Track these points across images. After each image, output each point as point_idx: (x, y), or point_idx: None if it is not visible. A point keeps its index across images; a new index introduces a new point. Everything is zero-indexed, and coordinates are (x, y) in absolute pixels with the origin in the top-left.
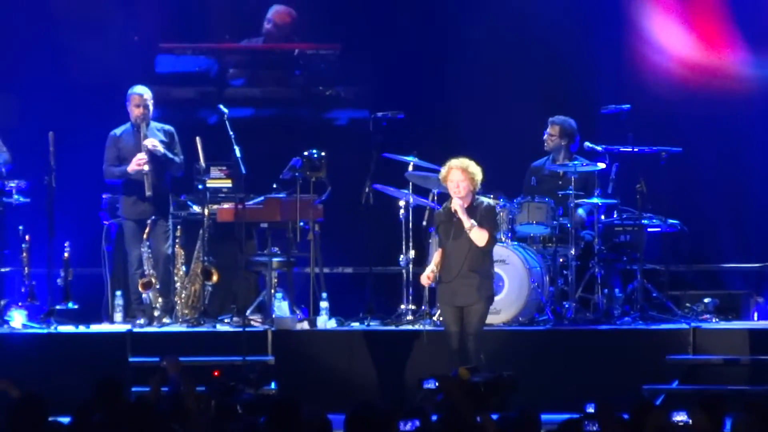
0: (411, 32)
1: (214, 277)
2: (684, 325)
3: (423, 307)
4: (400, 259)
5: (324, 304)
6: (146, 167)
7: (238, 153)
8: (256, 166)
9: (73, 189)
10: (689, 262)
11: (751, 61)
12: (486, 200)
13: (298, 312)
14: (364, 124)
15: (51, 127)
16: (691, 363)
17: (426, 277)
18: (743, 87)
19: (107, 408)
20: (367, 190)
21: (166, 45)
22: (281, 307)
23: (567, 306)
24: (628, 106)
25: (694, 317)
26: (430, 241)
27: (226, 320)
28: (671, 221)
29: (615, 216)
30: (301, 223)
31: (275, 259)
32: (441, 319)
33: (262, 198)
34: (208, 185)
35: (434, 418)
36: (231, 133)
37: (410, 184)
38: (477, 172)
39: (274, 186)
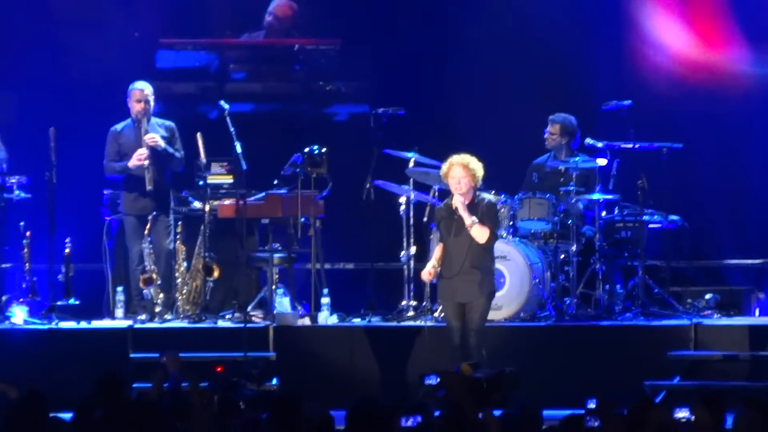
0: (411, 28)
1: (215, 273)
2: (685, 321)
3: (424, 303)
4: (401, 255)
5: (325, 300)
6: (147, 162)
7: (239, 149)
8: (257, 161)
9: (74, 185)
10: (690, 258)
11: (751, 59)
12: (487, 197)
13: (299, 308)
14: (364, 119)
15: (52, 123)
16: (692, 359)
17: (427, 273)
18: (744, 83)
19: (108, 404)
20: (368, 186)
21: (167, 40)
22: (282, 303)
23: (568, 302)
24: (629, 102)
25: (696, 313)
26: (431, 237)
27: (227, 316)
28: (672, 217)
29: (616, 212)
30: (302, 219)
31: (276, 255)
32: (442, 315)
33: (263, 194)
34: (209, 181)
35: (436, 414)
36: (232, 129)
37: (411, 180)
38: (478, 168)
39: (275, 182)
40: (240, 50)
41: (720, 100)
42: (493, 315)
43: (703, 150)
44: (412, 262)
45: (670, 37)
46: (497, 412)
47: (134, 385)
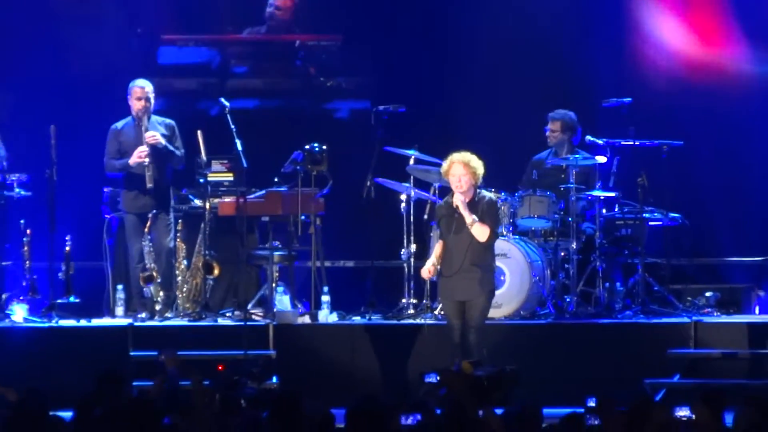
0: (412, 26)
1: (216, 271)
2: (685, 319)
3: (424, 301)
4: (402, 252)
5: (325, 298)
6: (147, 160)
7: (239, 146)
8: (258, 159)
9: (75, 182)
10: (690, 256)
11: (751, 56)
12: (488, 194)
13: (299, 306)
14: (365, 115)
15: (52, 121)
16: (692, 357)
17: (427, 271)
18: (744, 81)
19: (108, 402)
20: (368, 183)
21: (169, 37)
22: (282, 301)
23: (568, 300)
24: (630, 99)
25: (696, 311)
26: (432, 234)
27: (227, 314)
28: (672, 215)
29: (616, 209)
30: (303, 217)
31: (276, 253)
32: (442, 312)
33: (263, 191)
34: (209, 179)
35: (437, 412)
36: (232, 126)
37: (411, 177)
38: (479, 166)
39: (276, 179)
40: (241, 46)
41: (720, 98)
42: (493, 313)
43: (703, 147)
44: (412, 260)
45: (670, 35)
46: (498, 411)
47: (134, 383)
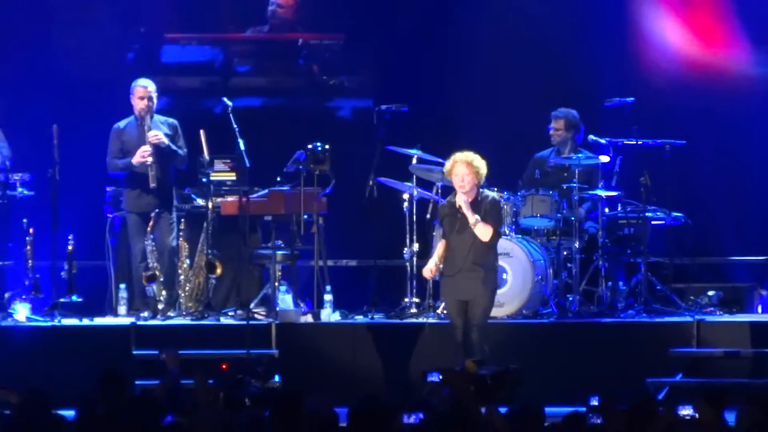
0: (414, 24)
1: (218, 270)
2: (688, 318)
3: (427, 300)
4: (404, 252)
5: (328, 297)
6: (150, 159)
7: (242, 146)
8: (260, 158)
9: (77, 182)
10: (693, 255)
11: (753, 57)
12: (491, 194)
13: (302, 305)
14: (367, 114)
15: (55, 120)
16: (695, 356)
17: (428, 270)
18: (747, 80)
19: (111, 401)
20: (371, 183)
21: (172, 35)
22: (285, 300)
23: (571, 299)
24: (632, 99)
25: (698, 310)
26: (434, 233)
27: (230, 313)
28: (675, 214)
29: (619, 209)
30: (305, 216)
31: (279, 252)
32: (445, 312)
33: (266, 191)
34: (212, 178)
35: (440, 411)
36: (235, 125)
37: (414, 177)
38: (482, 165)
39: (278, 179)
40: (244, 45)
41: (723, 97)
42: (495, 312)
43: (705, 147)
44: (414, 259)
45: (673, 35)
46: (502, 410)
47: (137, 382)
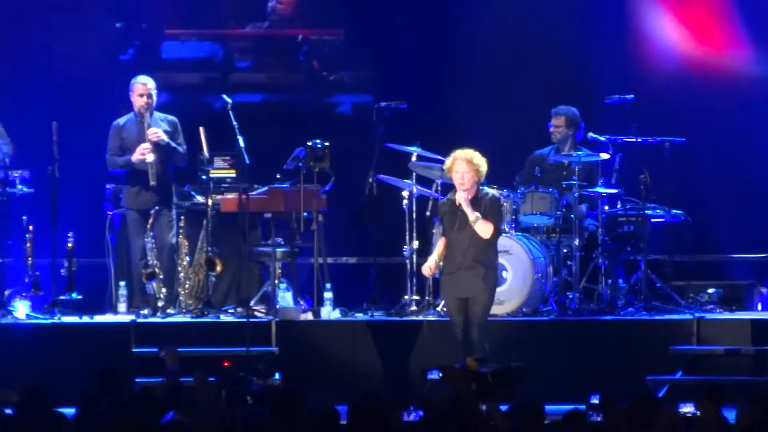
0: (414, 21)
1: (218, 268)
2: (688, 316)
3: (426, 298)
4: (404, 249)
5: (328, 295)
6: (150, 157)
7: (241, 143)
8: (260, 156)
9: (77, 179)
10: (693, 253)
11: (753, 55)
12: (491, 191)
13: (301, 302)
14: (367, 110)
15: (54, 117)
16: (694, 353)
17: (428, 268)
18: (747, 78)
19: (111, 398)
20: (370, 180)
21: (172, 31)
22: (285, 298)
23: (571, 296)
24: (632, 96)
25: (698, 308)
26: (434, 231)
27: (229, 311)
28: (675, 211)
29: (619, 206)
30: (305, 214)
31: (279, 250)
32: (445, 309)
33: (265, 188)
34: (211, 175)
35: (440, 408)
36: (234, 123)
37: (414, 174)
38: (482, 163)
39: (278, 176)
40: (244, 41)
41: (723, 95)
42: (495, 309)
43: (705, 144)
44: (414, 257)
45: (673, 32)
46: (503, 407)
47: (137, 380)
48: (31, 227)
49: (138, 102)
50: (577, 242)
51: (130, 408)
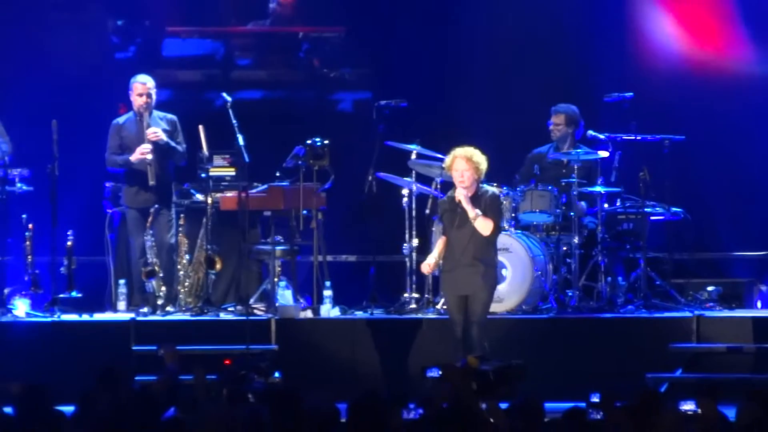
0: (414, 20)
1: (218, 266)
2: (687, 314)
3: (426, 296)
4: (404, 247)
5: (327, 293)
6: (149, 156)
7: (241, 141)
8: (260, 154)
9: (76, 177)
10: (692, 251)
11: (752, 53)
12: (491, 189)
13: (301, 300)
14: (367, 108)
15: (54, 116)
16: (694, 351)
17: (427, 266)
18: (746, 75)
19: (110, 397)
20: (370, 178)
21: (173, 29)
22: (284, 296)
23: (570, 294)
24: (631, 94)
25: (698, 305)
26: (433, 229)
27: (229, 309)
28: (674, 209)
29: (618, 204)
30: (305, 212)
31: (278, 248)
32: (444, 307)
33: (265, 186)
34: (211, 173)
35: (441, 406)
36: (234, 121)
37: (413, 172)
38: (482, 161)
39: (278, 174)
40: (245, 38)
41: (722, 92)
42: (495, 307)
43: (705, 142)
44: (414, 255)
45: (672, 30)
46: (503, 405)
47: (137, 378)
48: (30, 225)
49: (137, 101)
50: (576, 240)
51: (129, 406)
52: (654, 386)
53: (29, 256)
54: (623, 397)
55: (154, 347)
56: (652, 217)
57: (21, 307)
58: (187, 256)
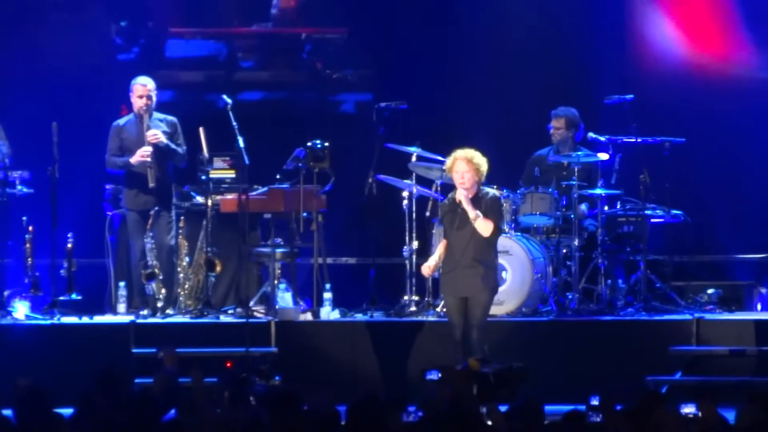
0: (414, 23)
1: (218, 268)
2: (687, 316)
3: (426, 298)
4: (404, 249)
5: (327, 295)
6: (149, 159)
7: (241, 143)
8: (260, 156)
9: (77, 180)
10: (692, 253)
11: (754, 56)
12: (491, 191)
13: (301, 303)
14: (368, 110)
15: (54, 118)
16: (694, 354)
17: (427, 267)
18: (747, 78)
19: (110, 399)
20: (370, 180)
21: (176, 30)
22: (284, 298)
23: (570, 297)
24: (632, 96)
25: (698, 308)
26: (433, 231)
27: (229, 311)
28: (674, 212)
29: (618, 207)
30: (305, 214)
31: (278, 250)
32: (444, 310)
33: (265, 188)
34: (211, 176)
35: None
36: (234, 123)
37: (413, 174)
38: (482, 162)
39: (278, 176)
40: (248, 39)
41: (722, 95)
42: (494, 310)
43: (705, 144)
44: (414, 257)
45: (673, 32)
46: (502, 408)
47: (136, 380)
48: (30, 228)
49: (137, 103)
50: (576, 242)
51: (128, 408)
52: (654, 389)
53: (29, 259)
54: (623, 399)
55: (154, 350)
56: (653, 220)
57: (21, 310)
58: (187, 259)
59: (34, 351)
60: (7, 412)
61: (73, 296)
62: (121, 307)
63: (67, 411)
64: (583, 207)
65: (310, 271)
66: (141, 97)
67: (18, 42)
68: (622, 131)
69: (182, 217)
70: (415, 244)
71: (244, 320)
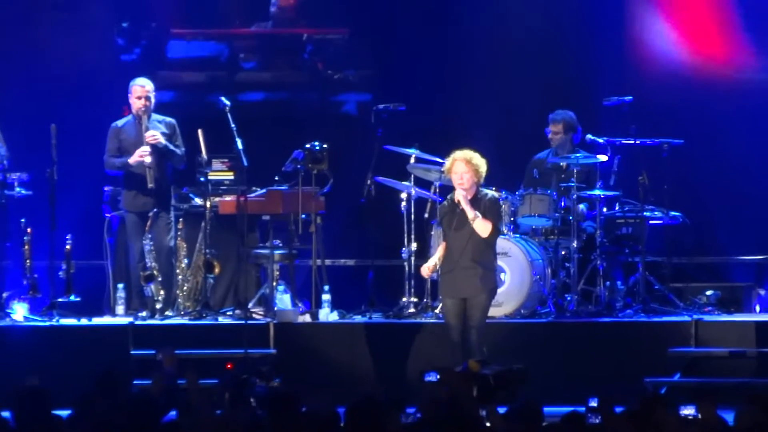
0: (413, 25)
1: (216, 270)
2: (686, 318)
3: (425, 300)
4: (402, 251)
5: (326, 297)
6: (148, 159)
7: (240, 145)
8: (258, 158)
9: (75, 181)
10: (691, 255)
11: (753, 58)
12: (490, 192)
13: (300, 305)
14: (369, 111)
15: (53, 120)
16: (693, 355)
17: (427, 268)
18: (746, 79)
19: (108, 401)
20: (369, 182)
21: (178, 30)
22: (283, 300)
23: (569, 298)
24: (630, 97)
25: (696, 309)
26: (432, 233)
27: (228, 313)
28: (673, 213)
29: (617, 208)
30: (303, 216)
31: (277, 252)
32: (442, 312)
33: (264, 190)
34: (210, 177)
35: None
36: (233, 125)
37: (412, 176)
38: (481, 163)
39: (276, 178)
40: (249, 40)
41: (721, 96)
42: (493, 311)
43: (704, 146)
44: (412, 259)
45: (672, 33)
46: (501, 409)
47: (135, 382)
48: (29, 230)
49: (136, 104)
50: (575, 244)
51: (127, 410)
52: (653, 390)
53: (28, 260)
54: (622, 401)
55: (153, 351)
56: (651, 221)
57: (19, 312)
58: (185, 260)
59: (33, 353)
60: (6, 414)
61: (72, 298)
62: (120, 308)
63: (65, 412)
64: (582, 208)
65: (309, 272)
66: (140, 98)
67: (18, 42)
68: (621, 133)
69: (181, 219)
70: (414, 245)
71: (242, 322)
